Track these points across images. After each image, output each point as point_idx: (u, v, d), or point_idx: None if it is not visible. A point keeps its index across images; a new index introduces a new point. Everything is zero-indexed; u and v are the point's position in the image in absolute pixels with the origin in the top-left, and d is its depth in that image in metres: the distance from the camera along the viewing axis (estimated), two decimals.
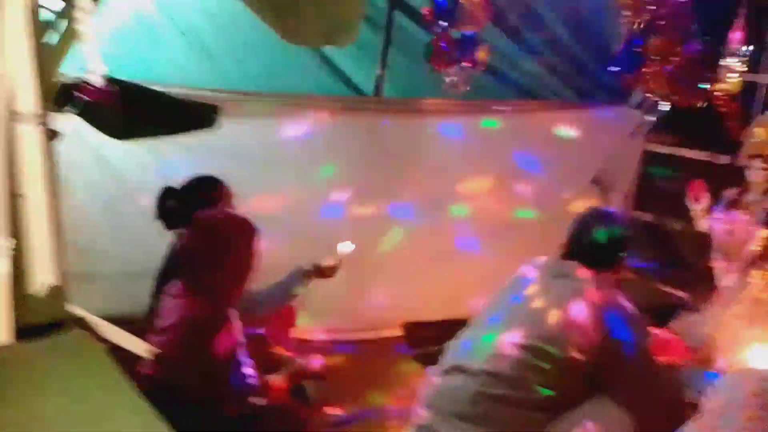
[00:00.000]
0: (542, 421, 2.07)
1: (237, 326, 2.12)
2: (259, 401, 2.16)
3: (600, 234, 2.20)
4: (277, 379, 2.37)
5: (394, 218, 3.70)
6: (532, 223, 3.95)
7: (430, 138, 3.69)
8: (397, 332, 3.81)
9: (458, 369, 2.17)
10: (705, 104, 3.29)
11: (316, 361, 2.64)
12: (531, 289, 2.19)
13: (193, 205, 2.32)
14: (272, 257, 3.24)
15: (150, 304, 2.53)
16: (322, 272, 2.75)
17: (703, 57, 2.79)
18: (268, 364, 2.60)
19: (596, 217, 2.28)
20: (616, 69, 2.91)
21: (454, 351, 2.29)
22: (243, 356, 2.12)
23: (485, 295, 2.48)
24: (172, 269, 2.42)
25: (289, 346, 2.98)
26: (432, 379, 2.27)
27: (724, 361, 3.13)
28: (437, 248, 3.80)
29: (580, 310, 2.06)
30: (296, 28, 1.88)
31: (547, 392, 2.04)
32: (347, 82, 3.60)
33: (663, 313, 3.39)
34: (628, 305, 2.13)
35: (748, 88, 3.46)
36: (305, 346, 3.30)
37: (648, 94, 2.84)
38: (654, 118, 2.96)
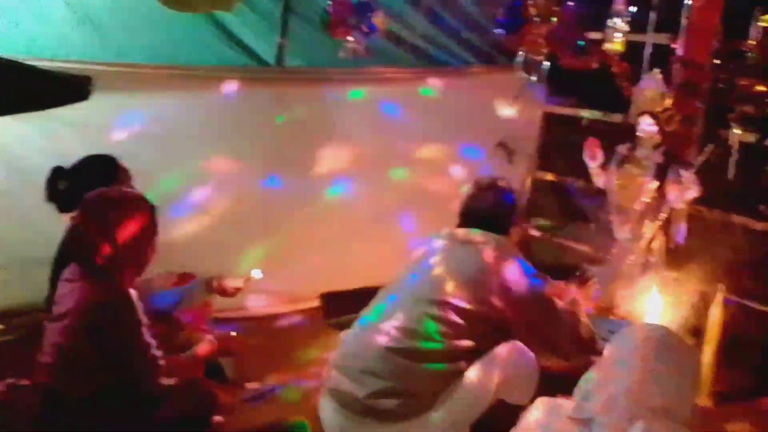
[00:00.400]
0: (451, 372, 2.19)
1: (138, 307, 2.06)
2: (169, 381, 2.12)
3: (490, 203, 2.43)
4: (187, 358, 2.32)
5: (305, 191, 3.67)
6: (440, 190, 3.99)
7: (336, 108, 3.66)
8: (314, 303, 3.82)
9: (368, 330, 2.28)
10: (597, 65, 3.44)
11: (228, 338, 2.60)
12: (437, 256, 2.36)
13: (85, 186, 2.21)
14: (181, 236, 3.20)
15: (48, 291, 2.42)
16: (225, 291, 2.74)
17: (580, 17, 2.90)
18: (179, 343, 2.56)
19: (485, 187, 2.48)
20: (500, 30, 3.00)
21: (365, 315, 2.39)
22: (147, 337, 2.06)
23: (399, 262, 2.55)
24: (67, 253, 2.32)
25: (202, 325, 2.93)
26: (343, 342, 2.35)
27: (624, 308, 3.33)
28: (350, 218, 3.81)
29: (482, 271, 2.25)
30: None
31: (462, 342, 2.20)
32: (248, 52, 3.50)
33: (567, 267, 3.56)
34: (523, 262, 2.32)
35: (637, 48, 3.64)
36: (220, 324, 3.26)
37: (530, 55, 2.95)
38: (536, 79, 3.08)
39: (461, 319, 2.20)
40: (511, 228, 2.44)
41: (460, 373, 2.21)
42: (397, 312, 2.26)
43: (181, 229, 3.24)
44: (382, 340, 2.21)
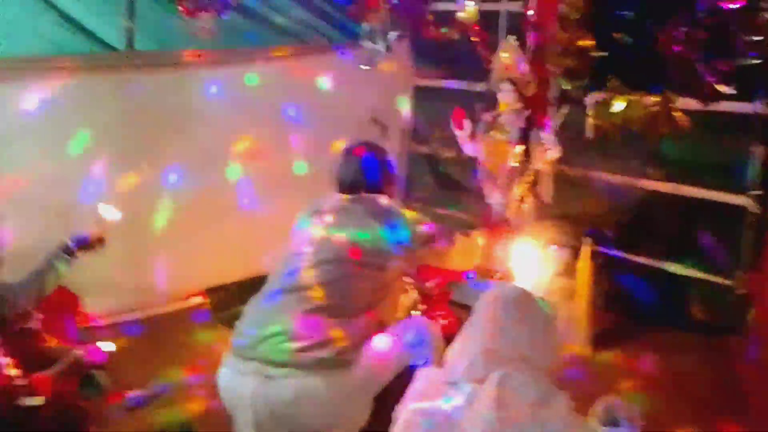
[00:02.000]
0: (366, 323, 2.33)
1: None
2: (32, 401, 1.94)
3: (358, 166, 2.54)
4: (49, 374, 2.14)
5: (166, 183, 3.47)
6: (309, 174, 3.93)
7: (193, 93, 3.48)
8: (193, 301, 3.69)
9: (277, 296, 2.31)
10: (458, 35, 3.51)
11: (97, 349, 2.43)
12: (327, 218, 2.45)
13: None
14: (30, 243, 2.93)
15: None
16: (87, 243, 2.56)
17: None
18: (42, 359, 2.36)
19: (352, 152, 2.60)
20: (342, 3, 2.98)
21: (269, 286, 2.40)
22: None
23: (277, 248, 2.53)
24: None
25: (71, 336, 2.73)
26: (250, 311, 2.36)
27: (502, 269, 3.46)
28: (218, 209, 3.66)
29: (363, 227, 2.39)
30: None
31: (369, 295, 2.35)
32: (94, 38, 3.24)
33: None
34: (399, 210, 2.51)
35: (495, 16, 3.74)
36: (91, 334, 3.04)
37: (373, 25, 2.96)
38: (382, 49, 3.09)
39: (363, 270, 2.33)
40: (385, 186, 2.57)
41: (376, 324, 2.36)
42: (302, 276, 2.32)
43: (29, 234, 2.97)
44: (296, 301, 2.26)
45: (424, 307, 3.05)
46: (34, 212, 2.91)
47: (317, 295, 2.26)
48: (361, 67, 3.45)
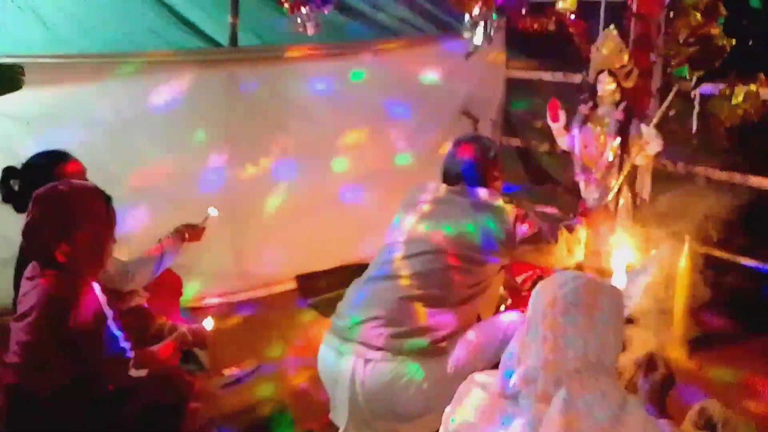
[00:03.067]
0: (462, 315, 2.31)
1: (100, 299, 2.03)
2: (139, 373, 2.09)
3: (467, 158, 2.53)
4: (158, 349, 2.29)
5: (272, 174, 3.63)
6: (404, 167, 3.98)
7: (296, 87, 3.59)
8: (290, 286, 3.80)
9: (377, 281, 2.36)
10: (554, 26, 3.43)
11: (200, 327, 2.57)
12: (427, 209, 2.47)
13: (39, 184, 2.16)
14: (146, 227, 3.14)
15: (14, 292, 2.38)
16: (196, 234, 2.74)
17: None
18: (151, 335, 2.53)
19: (463, 144, 2.59)
20: None
21: (369, 271, 2.45)
22: (113, 329, 2.03)
23: (372, 240, 2.56)
24: (25, 252, 2.27)
25: (176, 316, 2.91)
26: (352, 293, 2.41)
27: (595, 266, 3.36)
28: (320, 200, 3.78)
29: (462, 220, 2.40)
30: None
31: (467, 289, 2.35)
32: (200, 34, 3.43)
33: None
34: (501, 206, 2.47)
35: (593, 6, 3.64)
36: (195, 314, 3.23)
37: (475, 15, 2.92)
38: (480, 39, 3.04)
39: (461, 264, 2.32)
40: (489, 181, 2.53)
41: (473, 317, 2.35)
42: (397, 265, 2.35)
43: (145, 220, 3.18)
44: (394, 288, 2.29)
45: (510, 301, 3.03)
46: (156, 203, 3.12)
47: (412, 284, 2.28)
48: (466, 57, 3.41)
